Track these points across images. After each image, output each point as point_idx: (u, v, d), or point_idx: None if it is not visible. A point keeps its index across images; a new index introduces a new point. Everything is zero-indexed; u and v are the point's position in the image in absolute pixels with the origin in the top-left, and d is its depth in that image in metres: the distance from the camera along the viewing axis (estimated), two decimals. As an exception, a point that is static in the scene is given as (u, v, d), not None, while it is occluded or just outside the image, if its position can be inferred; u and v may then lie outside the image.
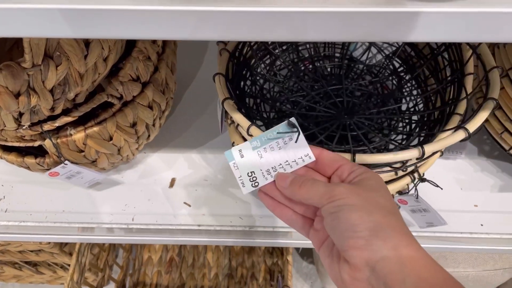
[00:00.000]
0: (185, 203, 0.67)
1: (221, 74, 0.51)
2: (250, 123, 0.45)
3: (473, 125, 0.45)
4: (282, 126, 0.42)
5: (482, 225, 0.62)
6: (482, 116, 0.45)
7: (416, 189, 0.54)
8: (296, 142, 0.40)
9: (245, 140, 0.53)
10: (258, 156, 0.41)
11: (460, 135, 0.44)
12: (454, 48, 0.56)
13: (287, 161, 0.41)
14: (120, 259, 0.98)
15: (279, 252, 0.97)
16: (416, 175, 0.52)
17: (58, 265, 0.88)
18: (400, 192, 0.56)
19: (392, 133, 0.61)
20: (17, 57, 0.55)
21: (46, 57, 0.39)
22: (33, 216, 0.66)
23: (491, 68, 0.49)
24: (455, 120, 0.49)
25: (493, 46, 0.61)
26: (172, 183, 0.69)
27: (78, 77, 0.43)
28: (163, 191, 0.68)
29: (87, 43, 0.42)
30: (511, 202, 0.61)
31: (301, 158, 0.40)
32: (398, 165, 0.49)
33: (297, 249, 1.19)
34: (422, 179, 0.53)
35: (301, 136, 0.40)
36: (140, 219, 0.65)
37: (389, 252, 0.31)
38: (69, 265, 0.89)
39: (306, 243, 0.66)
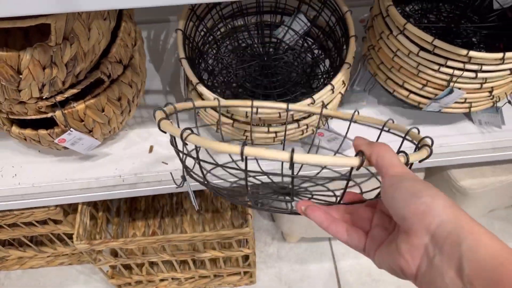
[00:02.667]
0: (163, 162, 0.87)
1: (180, 30, 0.71)
2: (198, 80, 0.65)
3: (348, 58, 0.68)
4: None
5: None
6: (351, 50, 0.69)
7: (327, 122, 0.77)
8: None
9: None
10: None
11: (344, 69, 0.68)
12: (342, 24, 0.80)
13: None
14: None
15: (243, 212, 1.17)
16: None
17: (60, 239, 1.03)
18: (317, 128, 0.79)
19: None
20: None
21: (64, 38, 0.59)
22: (41, 184, 0.84)
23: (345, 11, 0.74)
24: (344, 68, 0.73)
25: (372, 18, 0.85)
26: (151, 149, 0.89)
27: (83, 55, 0.63)
28: (144, 156, 0.88)
29: (88, 28, 0.62)
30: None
31: None
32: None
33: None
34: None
35: None
36: (128, 177, 0.84)
37: (448, 216, 0.31)
38: (69, 237, 1.05)
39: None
